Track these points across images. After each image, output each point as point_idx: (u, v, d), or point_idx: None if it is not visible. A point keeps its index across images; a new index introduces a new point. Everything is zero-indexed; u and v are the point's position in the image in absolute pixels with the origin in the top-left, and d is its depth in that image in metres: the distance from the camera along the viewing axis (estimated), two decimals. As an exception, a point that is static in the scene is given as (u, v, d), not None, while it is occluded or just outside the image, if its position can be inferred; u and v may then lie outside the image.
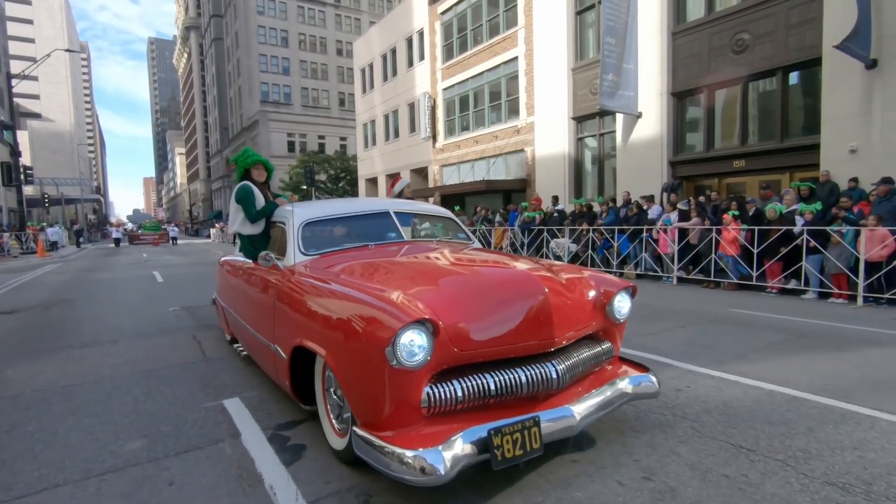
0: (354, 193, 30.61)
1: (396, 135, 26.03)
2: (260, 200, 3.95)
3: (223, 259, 5.01)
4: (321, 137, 51.94)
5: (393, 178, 5.85)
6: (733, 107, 11.75)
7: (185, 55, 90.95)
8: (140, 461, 2.60)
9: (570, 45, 15.37)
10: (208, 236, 49.33)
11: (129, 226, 50.10)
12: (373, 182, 28.93)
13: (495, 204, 18.34)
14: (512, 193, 18.26)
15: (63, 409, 3.41)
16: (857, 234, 7.02)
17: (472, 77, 19.98)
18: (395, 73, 25.69)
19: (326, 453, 2.59)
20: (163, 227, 52.63)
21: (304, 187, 30.49)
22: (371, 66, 28.02)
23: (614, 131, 14.06)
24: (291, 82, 53.74)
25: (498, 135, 18.71)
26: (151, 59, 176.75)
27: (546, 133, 16.41)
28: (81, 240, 35.96)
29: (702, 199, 10.26)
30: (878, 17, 8.76)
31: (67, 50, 45.52)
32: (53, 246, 27.39)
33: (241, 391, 3.67)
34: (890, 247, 6.73)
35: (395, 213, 3.69)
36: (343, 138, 51.75)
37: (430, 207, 4.27)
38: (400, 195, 5.55)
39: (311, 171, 27.82)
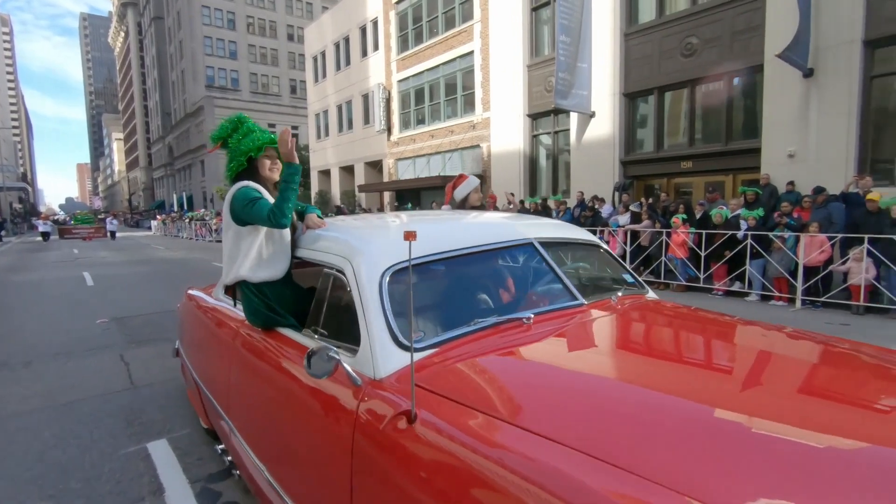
0: (307, 186, 29.58)
1: (350, 126, 25.34)
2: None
3: (197, 300, 3.22)
4: (271, 126, 49.97)
5: (453, 180, 3.94)
6: (682, 109, 12.04)
7: (122, 34, 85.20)
8: (40, 533, 2.26)
9: (525, 41, 15.31)
10: (149, 228, 46.72)
11: (60, 215, 46.47)
12: (325, 175, 28.11)
13: (451, 200, 18.18)
14: (468, 189, 18.14)
15: (-46, 461, 2.97)
16: (798, 239, 7.31)
17: (427, 70, 19.63)
18: (348, 62, 24.93)
19: (262, 513, 2.31)
20: (99, 217, 49.34)
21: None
22: (323, 54, 27.08)
23: (568, 129, 14.16)
24: (239, 67, 51.37)
25: (454, 129, 18.51)
26: (84, 36, 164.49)
27: (502, 129, 16.35)
28: (4, 233, 33.11)
29: (651, 200, 10.47)
30: (816, 28, 9.12)
31: (-16, 24, 41.41)
32: (-30, 241, 25.04)
33: (170, 429, 3.32)
34: (827, 252, 7.05)
35: (541, 243, 2.20)
36: (295, 127, 50.03)
37: (568, 229, 2.56)
38: (463, 203, 3.82)
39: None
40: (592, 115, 13.17)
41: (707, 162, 11.47)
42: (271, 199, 2.20)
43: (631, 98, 12.79)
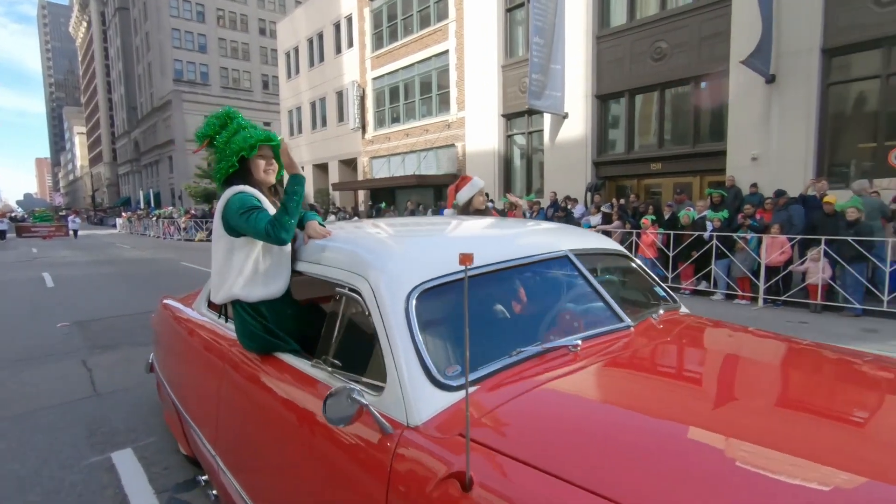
0: (279, 182, 29.12)
1: (324, 123, 25.03)
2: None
3: (176, 312, 2.89)
4: (243, 122, 48.99)
5: (456, 182, 3.70)
6: (652, 111, 12.32)
7: (85, 24, 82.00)
8: (-4, 551, 2.18)
9: (500, 41, 15.40)
10: (114, 226, 45.20)
11: (18, 212, 44.46)
12: (299, 172, 27.70)
13: (426, 199, 18.19)
14: (443, 189, 18.16)
15: None
16: (760, 240, 7.58)
17: (402, 68, 19.55)
18: (322, 58, 24.61)
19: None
20: (60, 214, 47.43)
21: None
22: (296, 50, 26.66)
23: (542, 130, 14.31)
24: (209, 61, 50.09)
25: (429, 128, 18.49)
26: (44, 24, 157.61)
27: (477, 129, 16.42)
28: (-43, 231, 31.50)
29: (622, 201, 10.69)
30: (778, 36, 9.46)
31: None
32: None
33: (135, 438, 3.24)
34: (787, 253, 7.34)
35: (577, 255, 1.99)
36: (267, 123, 49.04)
37: (593, 237, 2.31)
38: (467, 206, 3.57)
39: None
40: (565, 116, 13.35)
41: (676, 164, 11.77)
42: (271, 209, 1.96)
43: (603, 100, 13.02)
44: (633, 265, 2.34)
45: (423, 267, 1.58)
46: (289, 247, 1.98)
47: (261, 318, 1.91)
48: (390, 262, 1.59)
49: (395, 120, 20.41)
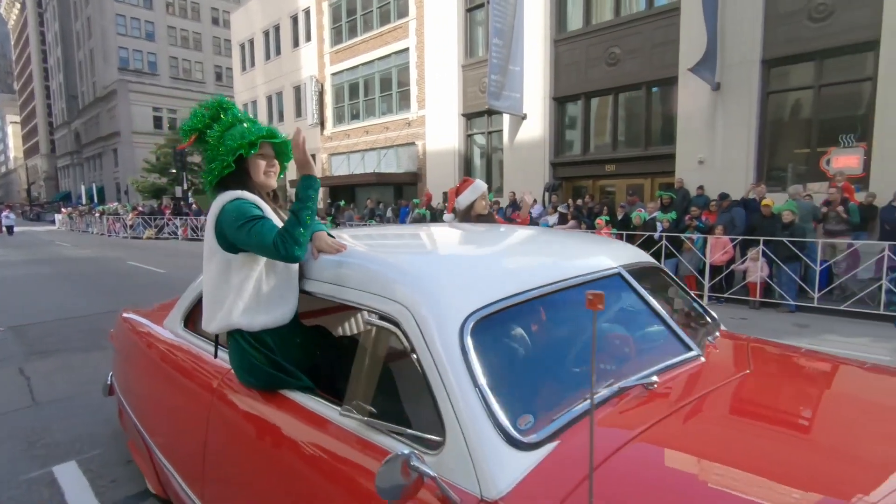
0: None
1: (281, 118, 24.43)
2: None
3: (140, 328, 2.53)
4: (194, 114, 47.10)
5: (457, 185, 3.46)
6: (607, 115, 12.71)
7: (18, 5, 76.51)
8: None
9: (460, 41, 15.48)
10: (52, 222, 42.51)
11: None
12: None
13: (386, 197, 18.09)
14: (403, 187, 18.12)
15: None
16: (705, 240, 7.99)
17: (362, 64, 19.33)
18: (278, 52, 23.99)
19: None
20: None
21: (174, 171, 27.55)
22: (252, 42, 25.87)
23: (502, 130, 14.51)
24: (157, 49, 47.80)
25: (389, 126, 18.38)
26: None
27: (437, 127, 16.45)
28: None
29: (579, 202, 11.01)
30: (722, 46, 9.97)
31: None
32: None
33: (79, 450, 3.09)
34: (729, 252, 7.77)
35: (631, 272, 1.77)
36: (220, 116, 47.43)
37: (626, 248, 2.06)
38: (468, 211, 3.28)
39: (183, 152, 25.12)
40: (524, 117, 13.59)
41: (628, 166, 12.21)
42: (276, 219, 1.65)
43: (560, 102, 13.32)
44: (669, 279, 2.07)
45: (473, 290, 1.31)
46: (296, 264, 1.67)
47: (265, 350, 1.60)
48: (434, 284, 1.31)
49: (355, 117, 20.17)
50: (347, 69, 20.01)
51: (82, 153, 55.25)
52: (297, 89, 22.86)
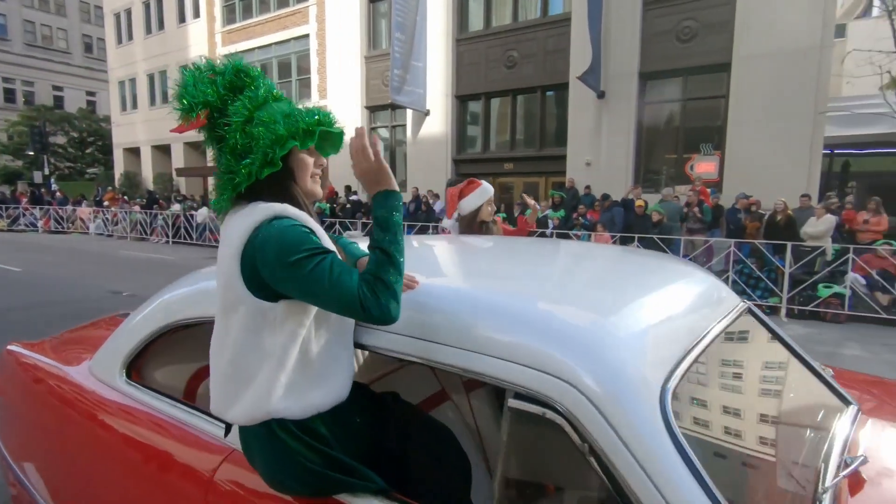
0: (108, 163, 25.31)
1: (166, 100, 22.25)
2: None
3: (47, 374, 1.77)
4: (57, 89, 41.29)
5: (458, 186, 3.05)
6: (506, 114, 13.26)
7: None
8: None
9: (363, 32, 15.19)
10: None
11: None
12: (134, 153, 24.32)
13: (286, 189, 17.30)
14: (304, 178, 17.45)
15: None
16: (590, 237, 8.69)
17: (259, 47, 18.23)
18: (161, 26, 21.80)
19: None
20: None
21: (31, 153, 24.03)
22: (129, 13, 23.23)
23: (405, 125, 14.53)
24: (7, 10, 41.10)
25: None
26: None
27: (339, 119, 15.93)
28: None
29: (479, 198, 11.39)
30: (606, 58, 10.83)
31: None
32: None
33: None
34: (609, 248, 8.54)
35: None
36: (91, 94, 42.10)
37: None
38: (473, 218, 2.92)
39: (43, 132, 22.05)
40: (427, 113, 13.72)
41: (525, 165, 12.87)
42: (319, 229, 1.14)
43: (462, 100, 13.65)
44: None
45: (653, 347, 1.01)
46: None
47: (318, 444, 1.10)
48: (608, 343, 0.96)
49: (251, 103, 18.99)
50: (242, 52, 18.69)
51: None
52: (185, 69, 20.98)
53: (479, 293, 1.18)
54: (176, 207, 15.58)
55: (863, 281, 6.56)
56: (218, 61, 1.21)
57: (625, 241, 8.49)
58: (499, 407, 1.69)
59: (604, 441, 0.86)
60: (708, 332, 1.15)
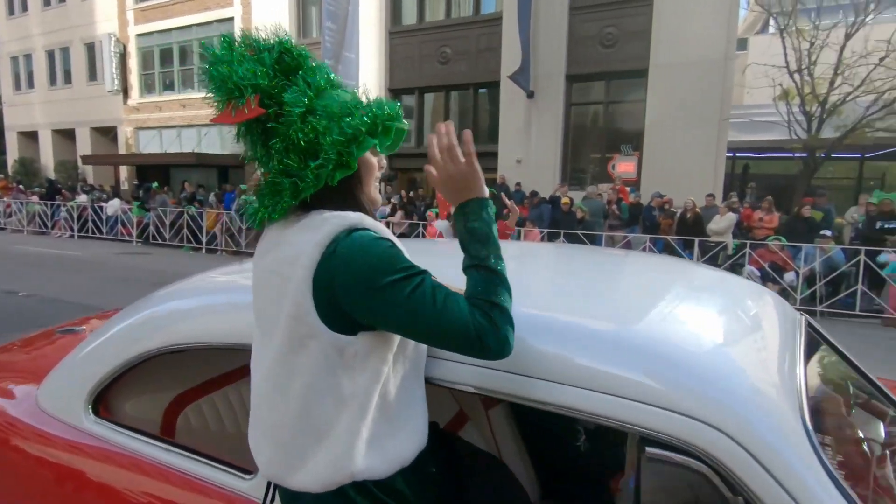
0: (0, 150, 22.63)
1: (68, 80, 20.27)
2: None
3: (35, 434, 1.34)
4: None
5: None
6: (439, 110, 13.34)
7: None
8: None
9: (292, 18, 14.63)
10: None
11: None
12: (31, 137, 21.93)
13: (209, 180, 16.39)
14: (229, 170, 16.62)
15: None
16: (520, 233, 8.96)
17: (177, 28, 17.06)
18: (62, -3, 19.78)
19: None
20: None
21: None
22: (22, -20, 20.86)
23: (337, 117, 14.20)
24: None
25: (212, 102, 16.57)
26: None
27: (267, 108, 15.39)
28: None
29: (411, 194, 11.40)
30: (535, 59, 11.18)
31: None
32: None
33: None
34: (538, 244, 8.86)
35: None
36: (-22, 68, 37.37)
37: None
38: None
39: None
40: (360, 106, 13.49)
41: (458, 161, 13.00)
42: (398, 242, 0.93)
43: (396, 94, 13.54)
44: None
45: (781, 386, 0.90)
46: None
47: None
48: (742, 381, 0.87)
49: (169, 87, 17.76)
50: (159, 31, 17.46)
51: None
52: (91, 47, 19.18)
53: (568, 317, 1.03)
54: (82, 198, 14.24)
55: (757, 273, 7.29)
56: (257, 34, 0.97)
57: (552, 238, 8.85)
58: (516, 424, 1.66)
59: (763, 493, 0.77)
60: (798, 352, 1.08)
